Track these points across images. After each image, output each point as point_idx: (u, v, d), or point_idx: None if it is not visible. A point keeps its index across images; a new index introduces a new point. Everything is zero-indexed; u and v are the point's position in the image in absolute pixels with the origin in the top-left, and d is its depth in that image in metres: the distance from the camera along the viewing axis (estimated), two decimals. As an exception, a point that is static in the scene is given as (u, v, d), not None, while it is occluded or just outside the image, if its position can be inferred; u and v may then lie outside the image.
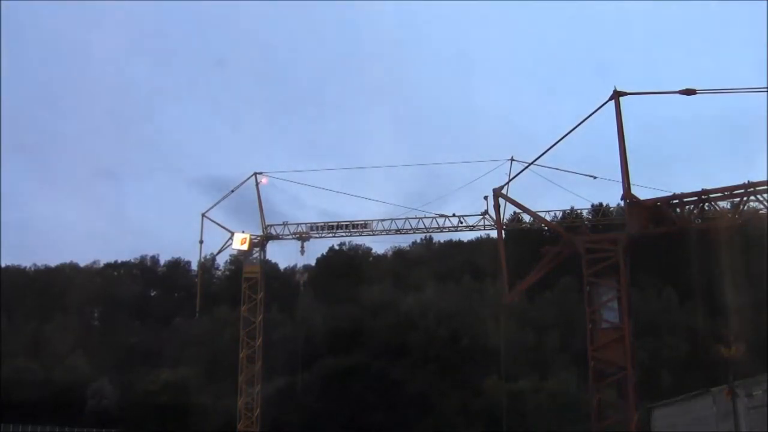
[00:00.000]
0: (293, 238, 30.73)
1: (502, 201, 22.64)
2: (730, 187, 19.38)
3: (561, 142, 21.11)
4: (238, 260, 38.33)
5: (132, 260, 59.73)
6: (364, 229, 30.68)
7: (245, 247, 30.10)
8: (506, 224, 27.97)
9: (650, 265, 37.11)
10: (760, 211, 19.66)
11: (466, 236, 46.91)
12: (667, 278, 40.75)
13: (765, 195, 18.97)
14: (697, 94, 19.93)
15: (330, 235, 31.95)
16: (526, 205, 23.10)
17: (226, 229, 30.42)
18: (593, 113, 20.54)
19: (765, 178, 18.95)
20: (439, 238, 50.19)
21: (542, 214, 26.02)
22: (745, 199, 19.34)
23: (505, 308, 30.66)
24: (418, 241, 53.49)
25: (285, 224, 30.78)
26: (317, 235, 31.01)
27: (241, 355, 29.70)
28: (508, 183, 22.87)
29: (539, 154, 21.96)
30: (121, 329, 48.32)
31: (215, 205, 30.78)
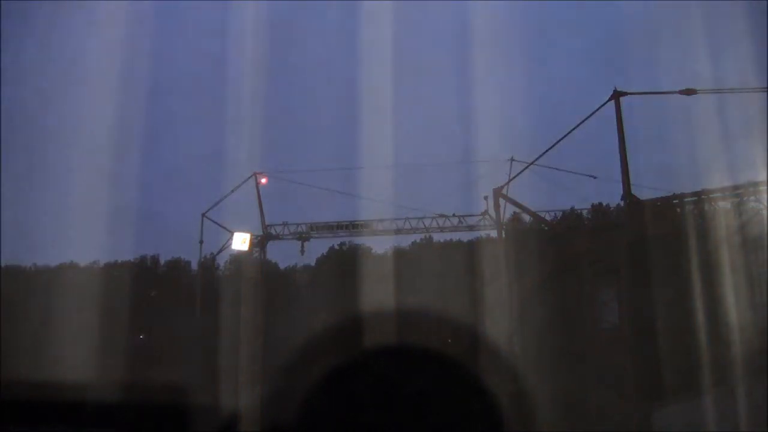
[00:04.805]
0: (293, 238, 30.79)
1: (502, 201, 22.72)
2: (730, 187, 19.44)
3: (561, 142, 21.22)
4: (238, 260, 38.38)
5: (132, 260, 59.81)
6: (364, 229, 30.73)
7: (246, 246, 30.13)
8: (506, 224, 28.02)
9: (650, 265, 37.04)
10: (760, 211, 19.70)
11: (466, 236, 46.90)
12: (667, 278, 40.66)
13: (765, 195, 19.02)
14: (698, 94, 20.03)
15: (330, 235, 32.02)
16: (526, 205, 23.19)
17: (226, 229, 30.48)
18: (593, 113, 20.64)
19: (765, 178, 18.99)
20: (439, 238, 50.19)
21: (542, 214, 26.08)
22: (745, 199, 19.39)
23: (505, 308, 30.68)
24: (418, 241, 53.53)
25: (285, 224, 30.84)
26: (317, 235, 31.05)
27: (241, 355, 29.70)
28: (508, 183, 22.98)
29: (539, 154, 22.07)
30: (121, 329, 48.27)
31: (215, 205, 30.84)
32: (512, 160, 25.86)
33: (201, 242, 31.09)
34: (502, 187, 22.88)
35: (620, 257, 19.39)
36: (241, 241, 29.99)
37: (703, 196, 19.70)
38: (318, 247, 54.66)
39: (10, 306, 46.50)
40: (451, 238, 52.22)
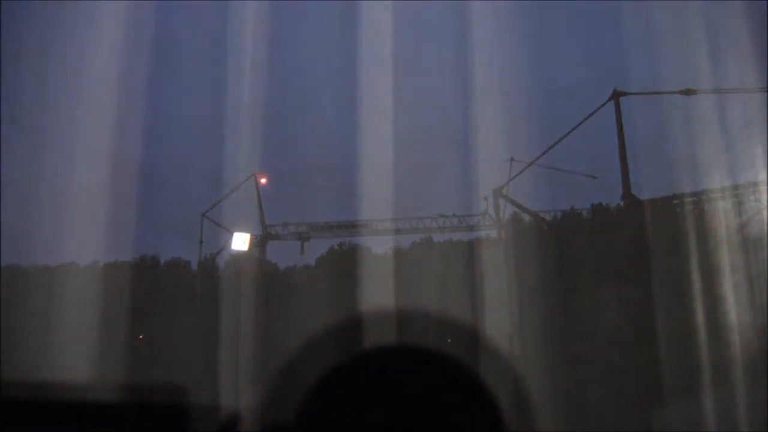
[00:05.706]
0: (293, 238, 30.80)
1: (502, 201, 22.74)
2: (730, 187, 19.47)
3: (561, 142, 21.25)
4: (238, 260, 38.39)
5: (132, 260, 59.73)
6: (364, 229, 30.74)
7: (246, 246, 30.16)
8: (506, 224, 27.99)
9: (650, 265, 37.03)
10: (760, 211, 19.71)
11: (466, 236, 46.92)
12: (667, 278, 40.59)
13: (765, 195, 19.04)
14: (697, 94, 20.05)
15: (330, 235, 32.02)
16: (526, 205, 23.21)
17: (226, 229, 30.47)
18: (593, 113, 20.66)
19: (765, 178, 19.01)
20: (439, 238, 50.16)
21: (542, 214, 26.07)
22: (745, 199, 19.42)
23: (505, 308, 30.70)
24: (418, 241, 53.47)
25: (285, 224, 30.84)
26: (317, 235, 31.07)
27: (241, 355, 29.70)
28: (508, 183, 22.99)
29: (539, 154, 22.09)
30: (121, 329, 48.21)
31: (215, 205, 30.84)
32: (512, 160, 25.87)
33: (201, 242, 31.15)
34: (502, 187, 22.93)
35: (620, 257, 19.40)
36: (241, 241, 30.02)
37: (703, 196, 19.73)
38: (318, 247, 54.69)
39: (10, 306, 46.47)
40: (451, 238, 52.22)
